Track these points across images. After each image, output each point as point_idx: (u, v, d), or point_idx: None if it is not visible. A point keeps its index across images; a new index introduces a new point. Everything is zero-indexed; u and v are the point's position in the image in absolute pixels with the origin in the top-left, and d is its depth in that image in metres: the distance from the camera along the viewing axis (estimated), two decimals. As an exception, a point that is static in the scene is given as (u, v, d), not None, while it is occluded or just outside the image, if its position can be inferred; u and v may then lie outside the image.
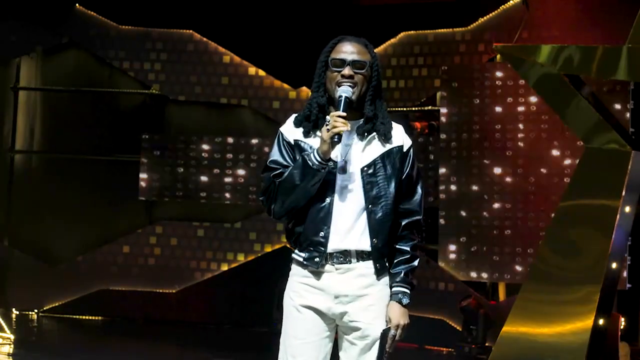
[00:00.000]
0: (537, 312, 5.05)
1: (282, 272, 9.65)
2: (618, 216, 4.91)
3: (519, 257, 8.22)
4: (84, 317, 9.69)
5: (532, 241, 8.12)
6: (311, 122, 3.49)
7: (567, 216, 5.14)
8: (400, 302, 3.47)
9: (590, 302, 4.88)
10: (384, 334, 3.42)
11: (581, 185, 5.14)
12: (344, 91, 3.42)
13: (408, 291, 3.48)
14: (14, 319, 9.37)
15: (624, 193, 4.93)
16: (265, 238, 9.59)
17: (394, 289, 3.48)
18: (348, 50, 3.47)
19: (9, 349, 7.75)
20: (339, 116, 3.35)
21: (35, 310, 9.71)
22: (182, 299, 9.68)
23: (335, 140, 3.34)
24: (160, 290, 9.65)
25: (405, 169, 3.53)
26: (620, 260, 5.07)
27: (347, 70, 3.44)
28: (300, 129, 3.51)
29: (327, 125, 3.37)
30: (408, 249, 3.51)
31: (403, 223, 3.51)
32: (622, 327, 7.09)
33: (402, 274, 3.48)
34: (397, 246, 3.51)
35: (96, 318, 9.72)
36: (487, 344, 7.99)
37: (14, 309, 9.61)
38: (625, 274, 7.38)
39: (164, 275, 9.63)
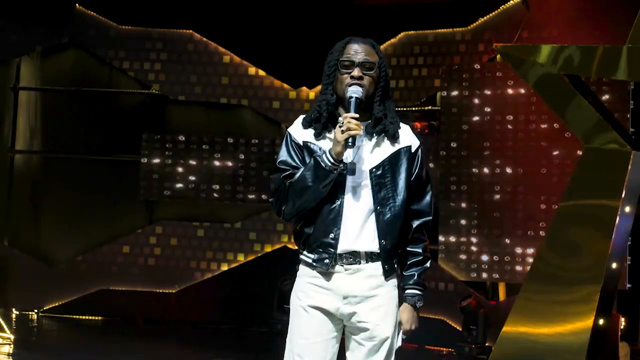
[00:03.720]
0: (537, 312, 5.05)
1: (282, 272, 9.64)
2: (618, 216, 4.91)
3: (519, 257, 8.22)
4: (84, 317, 9.69)
5: (532, 241, 8.13)
6: (321, 124, 3.47)
7: (567, 216, 5.14)
8: (414, 306, 3.47)
9: (590, 302, 4.88)
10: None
11: (581, 185, 5.14)
12: (354, 92, 3.41)
13: (422, 294, 3.49)
14: (14, 319, 9.36)
15: (624, 193, 4.93)
16: (265, 238, 9.60)
17: (408, 291, 3.48)
18: (357, 51, 3.46)
19: (9, 349, 7.75)
20: (353, 117, 3.34)
21: (35, 310, 9.71)
22: (182, 299, 9.68)
23: (350, 143, 3.33)
24: (160, 290, 9.65)
25: (414, 170, 3.53)
26: (620, 260, 5.07)
27: (356, 72, 3.44)
28: (310, 131, 3.49)
29: (340, 126, 3.35)
30: (420, 250, 3.52)
31: (414, 225, 3.51)
32: (622, 327, 7.09)
33: (416, 277, 3.48)
34: (409, 248, 3.51)
35: (96, 318, 9.72)
36: (487, 344, 7.99)
37: (14, 309, 9.61)
38: (625, 274, 7.38)
39: (164, 275, 9.63)
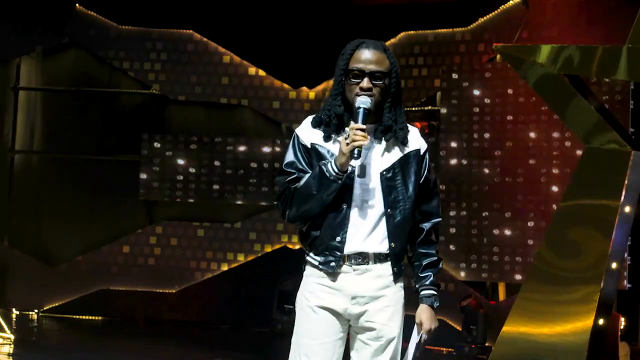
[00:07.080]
0: (537, 312, 5.06)
1: (282, 272, 9.62)
2: (618, 216, 4.92)
3: (518, 257, 8.22)
4: (84, 317, 9.69)
5: (532, 241, 8.13)
6: (330, 127, 3.43)
7: (567, 216, 5.15)
8: (432, 306, 3.48)
9: (590, 302, 4.89)
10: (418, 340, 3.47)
11: (581, 185, 5.15)
12: (363, 102, 3.36)
13: (437, 294, 3.50)
14: (14, 319, 9.36)
15: (624, 193, 4.94)
16: (265, 238, 9.59)
17: (424, 292, 3.48)
18: (367, 60, 3.41)
19: (9, 349, 7.75)
20: (359, 129, 3.29)
21: (35, 310, 9.71)
22: (182, 299, 9.68)
23: (355, 155, 3.28)
24: (160, 290, 9.65)
25: (423, 172, 3.50)
26: (620, 260, 5.08)
27: (365, 83, 3.39)
28: (319, 132, 3.45)
29: (346, 138, 3.30)
30: (434, 252, 3.52)
31: (426, 227, 3.51)
32: (622, 327, 7.10)
33: (432, 277, 3.48)
34: (423, 250, 3.51)
35: (96, 318, 9.72)
36: (487, 344, 7.99)
37: (14, 309, 9.60)
38: (625, 274, 7.38)
39: (164, 275, 9.63)
